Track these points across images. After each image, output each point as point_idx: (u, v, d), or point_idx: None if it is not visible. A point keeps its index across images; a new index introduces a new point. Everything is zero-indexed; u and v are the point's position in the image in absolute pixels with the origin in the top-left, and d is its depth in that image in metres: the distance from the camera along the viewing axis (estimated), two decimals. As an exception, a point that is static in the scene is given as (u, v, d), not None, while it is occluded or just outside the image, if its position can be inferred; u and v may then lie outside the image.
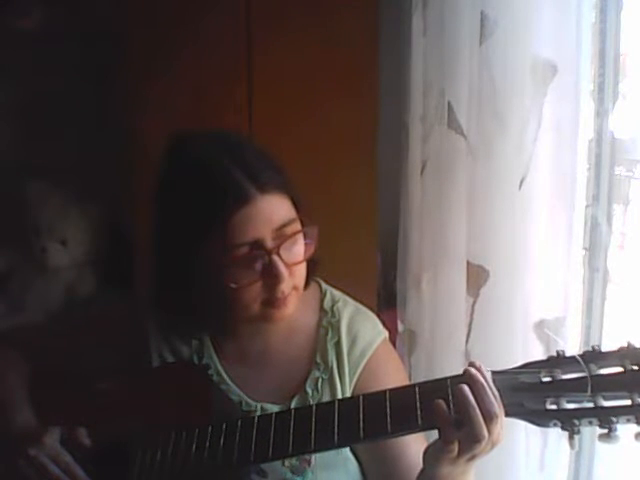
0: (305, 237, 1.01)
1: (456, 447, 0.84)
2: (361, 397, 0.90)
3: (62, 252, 2.19)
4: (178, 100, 1.88)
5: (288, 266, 0.97)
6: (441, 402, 0.84)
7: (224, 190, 0.95)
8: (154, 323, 1.12)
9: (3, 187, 2.19)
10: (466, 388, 0.84)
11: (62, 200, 2.21)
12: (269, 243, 0.96)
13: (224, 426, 0.93)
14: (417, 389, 0.87)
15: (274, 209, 0.97)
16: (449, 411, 0.84)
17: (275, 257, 0.96)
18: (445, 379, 0.87)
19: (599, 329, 1.47)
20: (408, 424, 0.86)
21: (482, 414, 0.82)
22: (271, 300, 0.99)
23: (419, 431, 0.89)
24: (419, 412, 0.85)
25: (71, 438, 0.98)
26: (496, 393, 0.84)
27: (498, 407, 0.83)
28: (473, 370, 0.85)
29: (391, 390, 0.89)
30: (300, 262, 1.00)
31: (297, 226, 1.00)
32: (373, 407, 0.88)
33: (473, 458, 0.85)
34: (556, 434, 1.31)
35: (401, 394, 0.88)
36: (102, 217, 2.29)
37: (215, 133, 1.04)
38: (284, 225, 0.97)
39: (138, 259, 1.90)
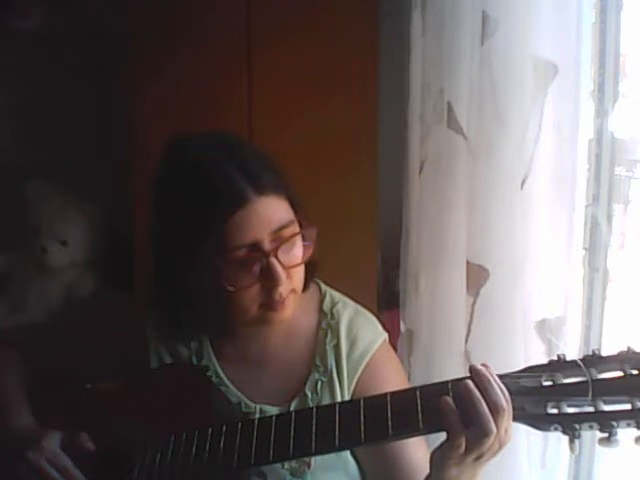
0: (304, 239, 1.00)
1: (463, 444, 0.83)
2: (362, 400, 0.89)
3: (62, 252, 2.19)
4: (178, 100, 1.88)
5: (286, 269, 0.97)
6: (448, 398, 0.84)
7: (221, 192, 0.95)
8: (153, 325, 1.11)
9: (3, 187, 2.19)
10: (471, 383, 0.84)
11: (62, 200, 2.21)
12: (267, 245, 0.95)
13: (224, 428, 0.92)
14: (418, 392, 0.87)
15: (272, 211, 0.96)
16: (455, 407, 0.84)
17: (273, 259, 0.95)
18: (447, 382, 0.87)
19: (599, 329, 1.47)
20: (409, 427, 0.86)
21: (488, 407, 0.82)
22: (269, 303, 0.98)
23: (420, 434, 0.89)
24: (420, 415, 0.85)
25: (73, 443, 0.98)
26: (503, 387, 0.83)
27: (505, 401, 0.82)
28: (478, 366, 0.85)
29: (392, 393, 0.89)
30: (298, 265, 0.99)
31: (295, 228, 0.99)
32: (374, 410, 0.87)
33: (480, 458, 0.85)
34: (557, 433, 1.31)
35: (402, 397, 0.88)
36: (102, 217, 2.29)
37: (213, 135, 1.04)
38: (282, 227, 0.97)
39: (138, 260, 1.90)
